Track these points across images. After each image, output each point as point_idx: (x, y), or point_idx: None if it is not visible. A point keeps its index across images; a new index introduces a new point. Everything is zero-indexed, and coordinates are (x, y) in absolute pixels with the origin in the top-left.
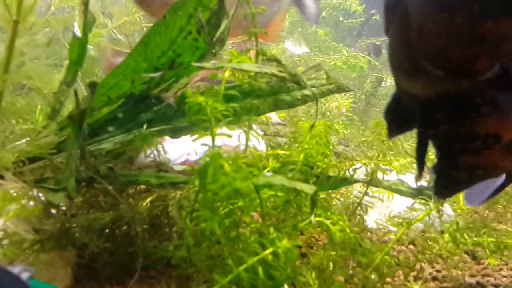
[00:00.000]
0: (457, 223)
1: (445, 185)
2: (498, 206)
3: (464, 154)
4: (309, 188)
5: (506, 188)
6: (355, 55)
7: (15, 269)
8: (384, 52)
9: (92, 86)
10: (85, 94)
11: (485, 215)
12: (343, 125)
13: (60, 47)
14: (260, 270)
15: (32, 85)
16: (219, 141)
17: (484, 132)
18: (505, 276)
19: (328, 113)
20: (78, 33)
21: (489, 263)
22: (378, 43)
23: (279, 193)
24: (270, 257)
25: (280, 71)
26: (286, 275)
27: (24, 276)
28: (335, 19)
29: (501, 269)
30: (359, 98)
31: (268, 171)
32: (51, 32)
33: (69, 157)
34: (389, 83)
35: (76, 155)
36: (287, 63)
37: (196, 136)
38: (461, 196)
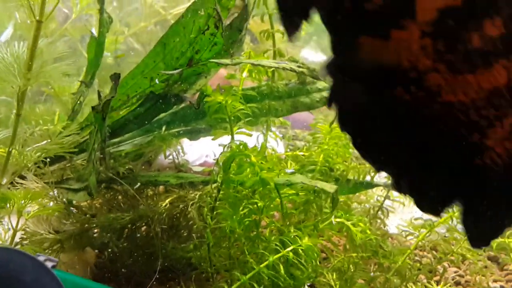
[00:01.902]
0: None
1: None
2: None
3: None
4: (330, 187)
5: None
6: None
7: (40, 258)
8: None
9: (115, 77)
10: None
11: None
12: None
13: (77, 56)
14: (281, 267)
15: (50, 92)
16: (237, 142)
17: None
18: None
19: None
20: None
21: None
22: None
23: (300, 193)
24: (291, 255)
25: (299, 66)
26: (307, 274)
27: (48, 265)
28: None
29: None
30: None
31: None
32: (69, 41)
33: (91, 151)
34: None
35: (99, 149)
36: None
37: (215, 135)
38: None
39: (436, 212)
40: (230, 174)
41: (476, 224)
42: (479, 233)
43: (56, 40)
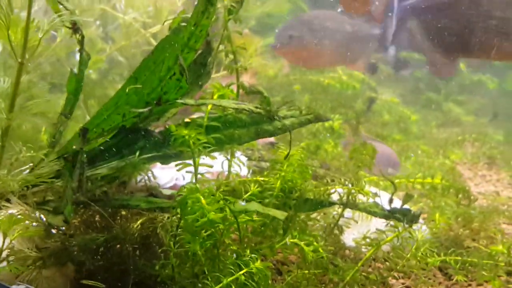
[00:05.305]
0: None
1: None
2: (473, 224)
3: None
4: (280, 214)
5: (483, 207)
6: (350, 73)
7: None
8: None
9: (83, 131)
10: (87, 117)
11: (459, 233)
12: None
13: (64, 69)
14: None
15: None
16: (204, 168)
17: None
18: None
19: (319, 132)
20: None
21: (458, 280)
22: (374, 61)
23: (255, 218)
24: (242, 277)
25: (256, 107)
26: None
27: None
28: None
29: (469, 285)
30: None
31: (249, 195)
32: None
33: (66, 188)
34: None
35: (71, 187)
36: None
37: (180, 165)
38: (437, 216)
39: None
40: (186, 211)
41: None
42: None
43: (43, 60)
